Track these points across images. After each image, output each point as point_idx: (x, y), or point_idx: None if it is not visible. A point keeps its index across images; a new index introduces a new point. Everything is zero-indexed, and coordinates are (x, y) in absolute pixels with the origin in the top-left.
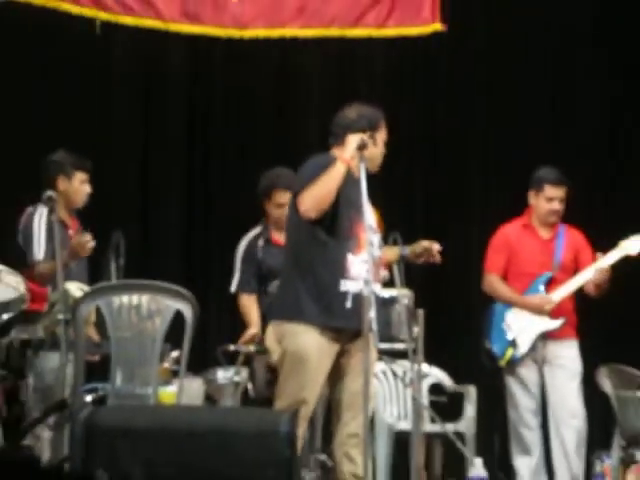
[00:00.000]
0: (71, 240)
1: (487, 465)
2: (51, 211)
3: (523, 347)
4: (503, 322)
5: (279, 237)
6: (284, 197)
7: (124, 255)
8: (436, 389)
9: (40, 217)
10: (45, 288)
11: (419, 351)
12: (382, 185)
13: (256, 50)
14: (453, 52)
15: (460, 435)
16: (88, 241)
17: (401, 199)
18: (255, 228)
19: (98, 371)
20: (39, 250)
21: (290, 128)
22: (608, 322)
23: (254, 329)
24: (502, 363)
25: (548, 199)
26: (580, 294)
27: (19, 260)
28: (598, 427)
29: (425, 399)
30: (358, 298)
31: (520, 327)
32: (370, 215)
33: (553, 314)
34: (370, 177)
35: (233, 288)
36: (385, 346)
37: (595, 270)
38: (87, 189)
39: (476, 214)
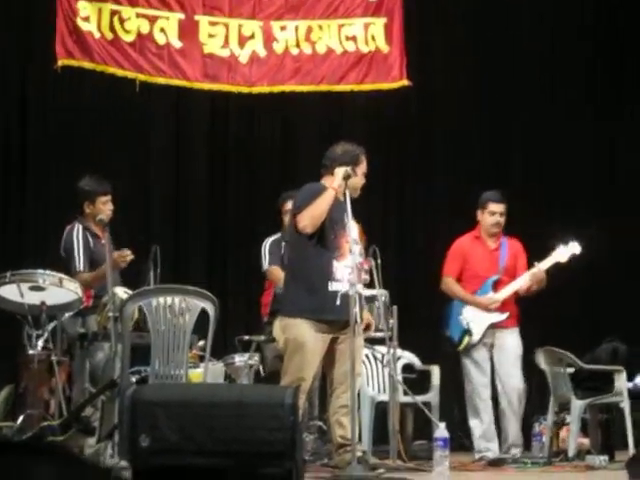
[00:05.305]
0: (103, 248)
1: (449, 428)
2: (84, 228)
3: (477, 335)
4: (460, 315)
5: None
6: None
7: (160, 265)
8: (408, 368)
9: (77, 233)
10: (89, 290)
11: (394, 338)
12: (363, 205)
13: (261, 102)
14: (416, 101)
15: (427, 404)
16: (128, 254)
17: (379, 216)
18: (275, 234)
19: (141, 356)
20: (79, 262)
21: (289, 159)
22: (545, 316)
23: None
24: (460, 348)
25: (491, 213)
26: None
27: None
28: (536, 396)
29: (399, 376)
30: (345, 296)
31: (474, 319)
32: (354, 230)
33: (499, 309)
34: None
35: (265, 266)
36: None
37: (531, 274)
38: (110, 207)
39: (437, 233)
